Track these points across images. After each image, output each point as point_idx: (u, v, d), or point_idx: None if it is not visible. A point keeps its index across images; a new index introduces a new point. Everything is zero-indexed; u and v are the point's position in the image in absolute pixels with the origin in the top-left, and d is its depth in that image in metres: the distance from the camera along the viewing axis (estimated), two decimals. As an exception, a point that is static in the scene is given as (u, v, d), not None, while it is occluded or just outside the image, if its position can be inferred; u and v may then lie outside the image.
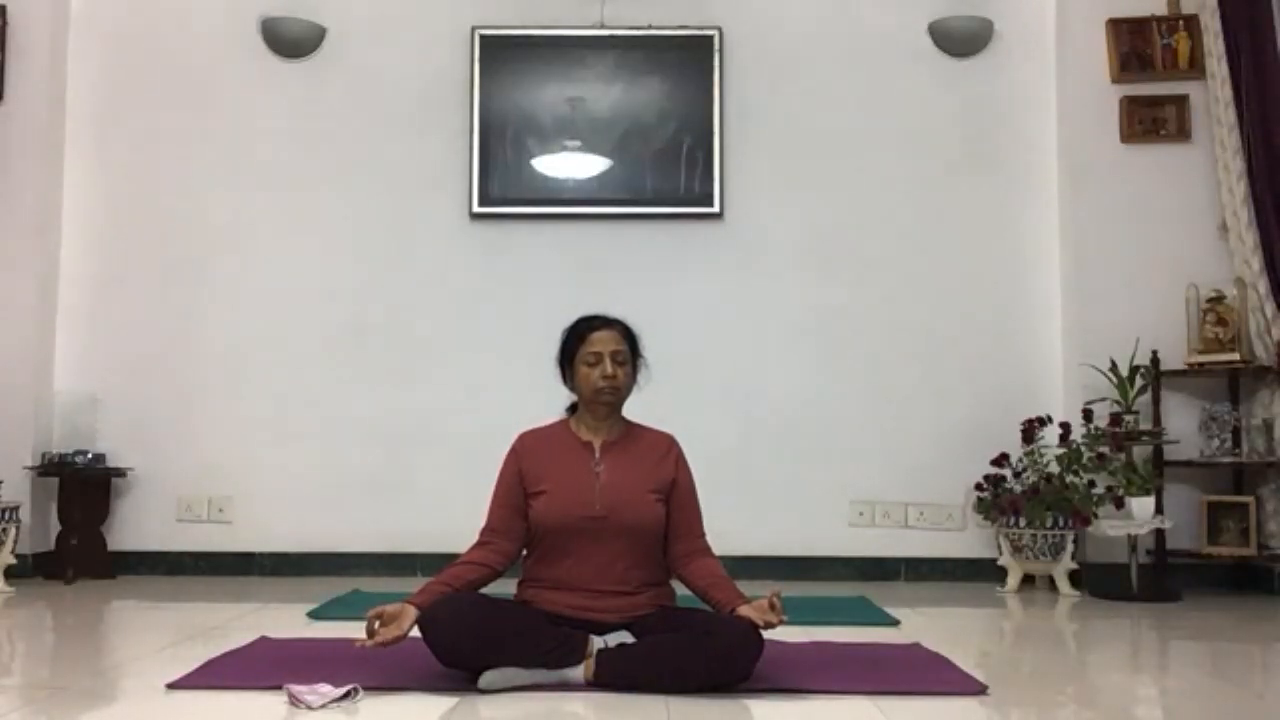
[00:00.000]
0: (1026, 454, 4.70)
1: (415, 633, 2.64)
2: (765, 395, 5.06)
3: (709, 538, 2.93)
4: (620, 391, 2.89)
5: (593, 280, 5.02)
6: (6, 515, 4.46)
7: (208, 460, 5.04)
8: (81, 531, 4.79)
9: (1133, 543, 4.51)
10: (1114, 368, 4.69)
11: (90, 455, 4.86)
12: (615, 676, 2.63)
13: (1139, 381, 4.69)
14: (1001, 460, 4.73)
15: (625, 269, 5.09)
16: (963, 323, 5.08)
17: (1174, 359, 4.76)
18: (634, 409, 2.99)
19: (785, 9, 5.23)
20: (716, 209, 5.11)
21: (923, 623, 3.85)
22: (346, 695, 2.52)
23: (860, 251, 5.13)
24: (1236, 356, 4.63)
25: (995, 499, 4.69)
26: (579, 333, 2.91)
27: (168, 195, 5.16)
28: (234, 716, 2.49)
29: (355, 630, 2.76)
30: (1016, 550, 4.64)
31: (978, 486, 4.78)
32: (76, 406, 4.99)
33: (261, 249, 5.14)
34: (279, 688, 2.58)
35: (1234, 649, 3.61)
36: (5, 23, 4.96)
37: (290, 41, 5.18)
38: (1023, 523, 4.59)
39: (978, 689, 2.71)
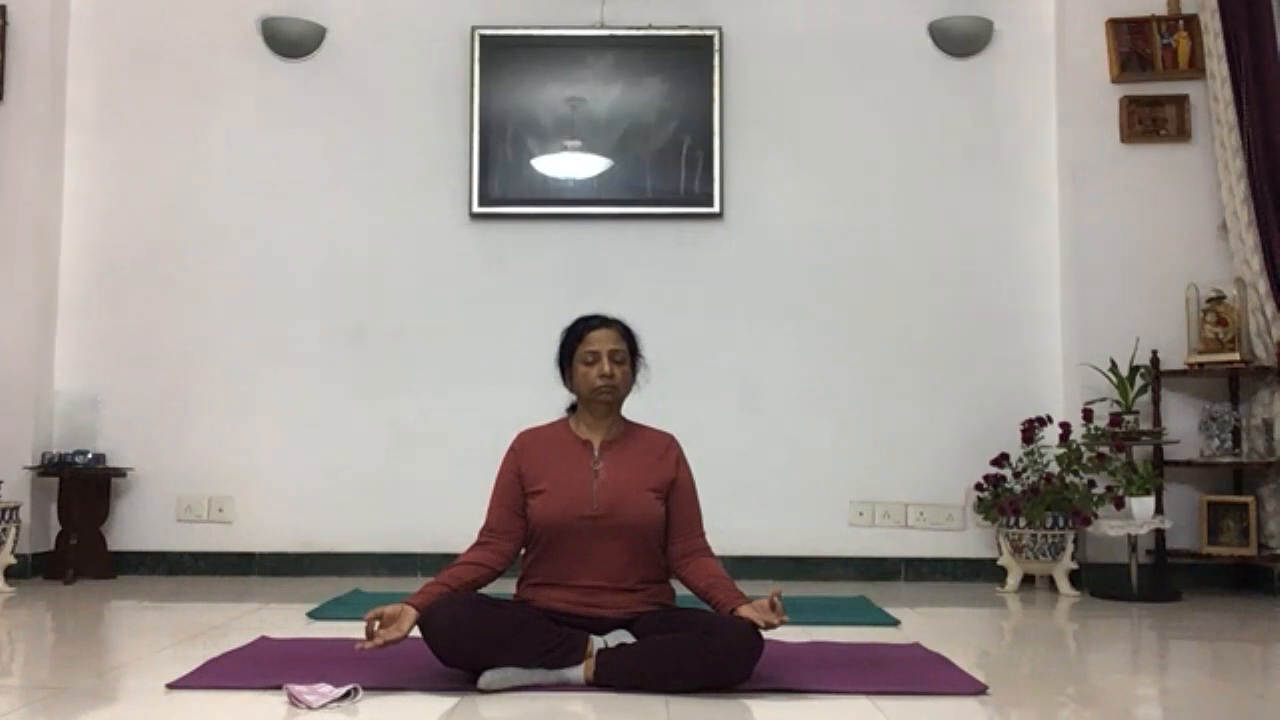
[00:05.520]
0: (1026, 454, 4.70)
1: (415, 633, 2.65)
2: (765, 395, 5.06)
3: (709, 537, 2.94)
4: (618, 390, 2.89)
5: (593, 280, 5.02)
6: (6, 515, 4.46)
7: (208, 460, 5.04)
8: (81, 531, 4.79)
9: (1133, 543, 4.51)
10: (1114, 368, 4.69)
11: (90, 455, 4.86)
12: (615, 676, 2.63)
13: (1139, 381, 4.69)
14: (1001, 460, 4.74)
15: (625, 269, 5.09)
16: (963, 323, 5.08)
17: (1174, 359, 4.76)
18: (634, 408, 2.99)
19: (785, 9, 5.23)
20: (716, 209, 5.11)
21: (923, 623, 3.85)
22: (346, 695, 2.52)
23: (860, 251, 5.13)
24: (1236, 356, 4.63)
25: (995, 499, 4.69)
26: (577, 332, 2.92)
27: (168, 195, 5.17)
28: (234, 716, 2.49)
29: (355, 630, 2.76)
30: (1016, 550, 4.64)
31: (978, 486, 4.78)
32: (76, 406, 4.99)
33: (261, 249, 5.14)
34: (279, 688, 2.58)
35: (1234, 649, 3.61)
36: (5, 23, 4.96)
37: (290, 41, 5.18)
38: (1023, 523, 4.59)
39: (978, 689, 2.71)
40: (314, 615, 3.83)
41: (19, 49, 4.98)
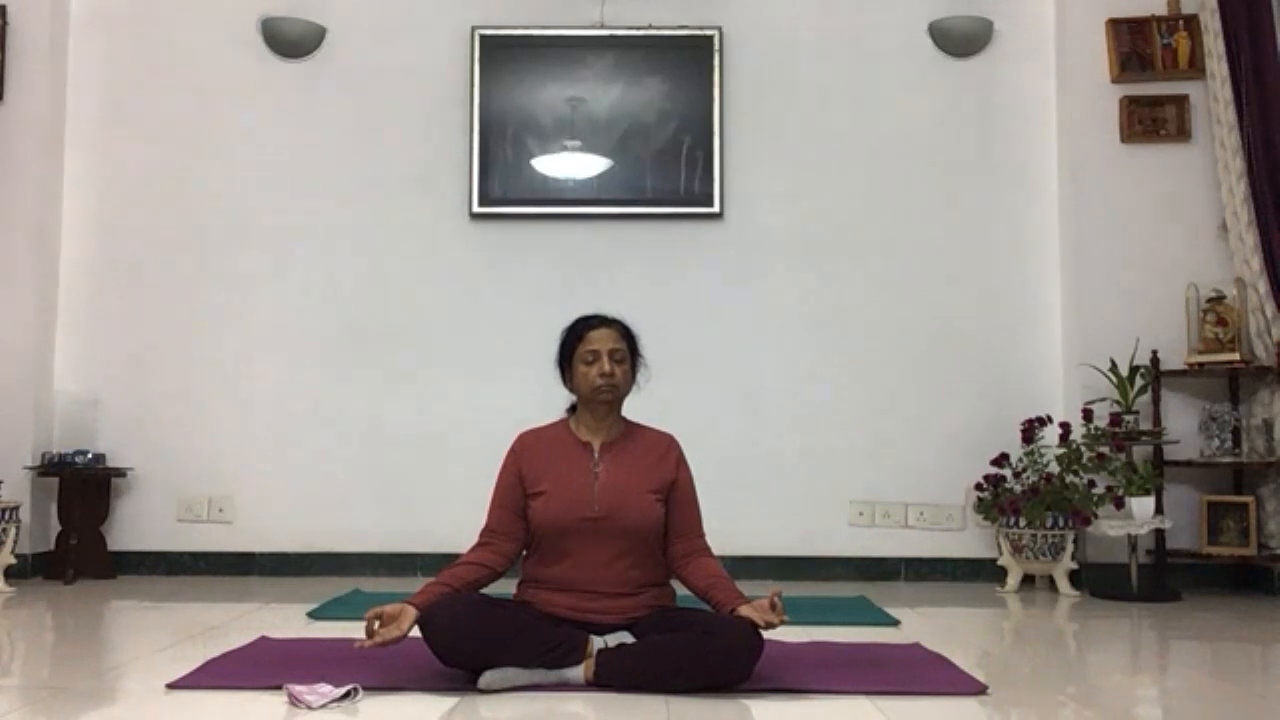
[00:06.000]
0: (1026, 454, 4.70)
1: (415, 633, 2.65)
2: (765, 395, 5.06)
3: (709, 537, 2.93)
4: (618, 390, 2.89)
5: (593, 280, 5.02)
6: (6, 515, 4.46)
7: (208, 460, 5.04)
8: (81, 531, 4.79)
9: (1133, 543, 4.51)
10: (1114, 368, 4.69)
11: (90, 455, 4.86)
12: (615, 676, 2.63)
13: (1139, 381, 4.69)
14: (1001, 460, 4.74)
15: (625, 269, 5.09)
16: (963, 323, 5.08)
17: (1174, 359, 4.76)
18: (634, 409, 2.99)
19: (785, 9, 5.23)
20: (716, 209, 5.11)
21: (923, 623, 3.85)
22: (346, 695, 2.52)
23: (860, 251, 5.13)
24: (1236, 356, 4.63)
25: (995, 499, 4.69)
26: (577, 332, 2.92)
27: (167, 195, 5.16)
28: (234, 716, 2.49)
29: (355, 630, 2.76)
30: (1016, 550, 4.64)
31: (978, 486, 4.78)
32: (76, 406, 4.99)
33: (261, 249, 5.14)
34: (279, 688, 2.58)
35: (1234, 649, 3.61)
36: (5, 23, 4.96)
37: (290, 41, 5.18)
38: (1023, 523, 4.59)
39: (978, 689, 2.71)
40: (314, 615, 3.83)
41: (19, 49, 4.98)
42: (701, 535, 2.92)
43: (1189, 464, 4.71)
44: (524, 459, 2.90)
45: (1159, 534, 4.65)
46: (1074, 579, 4.64)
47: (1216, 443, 4.69)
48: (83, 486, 4.85)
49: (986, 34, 5.15)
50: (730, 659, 2.62)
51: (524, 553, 2.91)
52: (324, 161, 5.18)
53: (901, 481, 5.02)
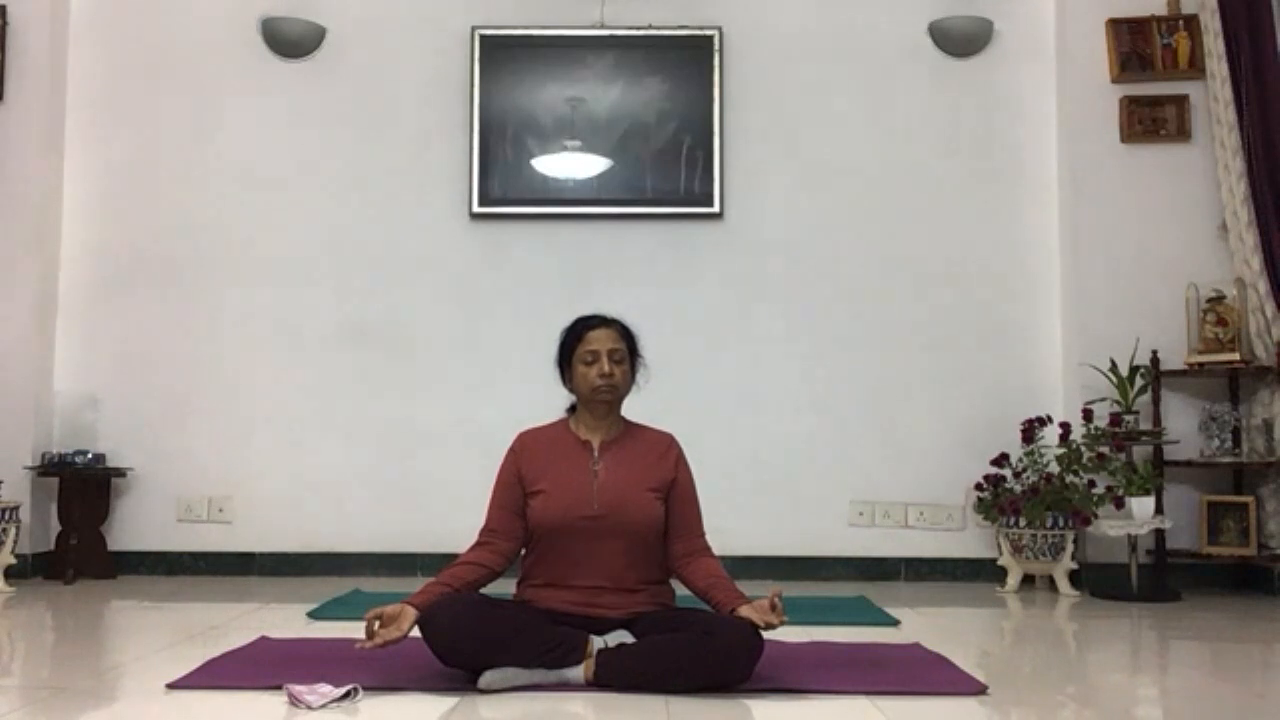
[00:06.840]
0: (1026, 454, 4.70)
1: (415, 633, 2.65)
2: (765, 395, 5.06)
3: (710, 537, 2.94)
4: (617, 390, 2.89)
5: (592, 280, 5.03)
6: (6, 515, 4.46)
7: (208, 460, 5.04)
8: (81, 531, 4.79)
9: (1133, 543, 4.51)
10: (1114, 368, 4.69)
11: (90, 455, 4.86)
12: (615, 676, 2.63)
13: (1139, 381, 4.69)
14: (1001, 460, 4.74)
15: (625, 269, 5.09)
16: (963, 323, 5.08)
17: (1174, 359, 4.76)
18: (633, 409, 2.99)
19: (785, 9, 5.23)
20: (716, 209, 5.11)
21: (923, 623, 3.85)
22: (346, 695, 2.52)
23: (859, 251, 5.13)
24: (1236, 356, 4.63)
25: (995, 499, 4.69)
26: (577, 332, 2.92)
27: (168, 195, 5.17)
28: (234, 716, 2.49)
29: (355, 630, 2.76)
30: (1016, 550, 4.64)
31: (978, 486, 4.78)
32: (76, 406, 4.99)
33: (261, 248, 5.14)
34: (279, 688, 2.58)
35: (1234, 649, 3.61)
36: (5, 23, 4.96)
37: (290, 41, 5.18)
38: (1023, 523, 4.59)
39: (978, 689, 2.71)
40: (314, 615, 3.83)
41: (19, 49, 4.98)
42: (702, 534, 2.92)
43: (1189, 464, 4.71)
44: (523, 458, 2.90)
45: (1159, 534, 4.65)
46: (1074, 579, 4.64)
47: (1216, 443, 4.69)
48: (83, 486, 4.84)
49: (986, 34, 5.15)
50: (730, 659, 2.62)
51: (523, 551, 2.91)
52: (324, 161, 5.18)
53: (901, 481, 5.02)
